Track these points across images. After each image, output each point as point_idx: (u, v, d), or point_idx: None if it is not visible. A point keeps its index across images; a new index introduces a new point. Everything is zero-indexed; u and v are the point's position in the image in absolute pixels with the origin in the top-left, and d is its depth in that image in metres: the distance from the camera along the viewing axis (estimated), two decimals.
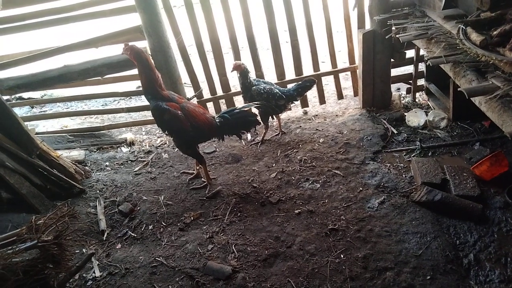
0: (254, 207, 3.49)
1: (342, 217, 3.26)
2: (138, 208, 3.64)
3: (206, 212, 3.50)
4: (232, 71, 4.07)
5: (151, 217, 3.51)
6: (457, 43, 3.04)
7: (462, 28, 3.03)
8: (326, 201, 3.44)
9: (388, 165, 3.77)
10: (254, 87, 4.02)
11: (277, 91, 4.08)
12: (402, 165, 3.77)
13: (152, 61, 3.82)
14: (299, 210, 3.37)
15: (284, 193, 3.59)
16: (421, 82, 4.76)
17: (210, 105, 4.80)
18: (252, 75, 4.26)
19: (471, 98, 2.68)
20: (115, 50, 4.00)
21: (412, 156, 3.84)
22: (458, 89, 2.71)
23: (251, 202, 3.55)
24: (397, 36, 3.62)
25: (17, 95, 5.39)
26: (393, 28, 3.94)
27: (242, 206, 3.51)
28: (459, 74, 2.98)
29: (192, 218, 3.44)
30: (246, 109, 3.66)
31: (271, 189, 3.65)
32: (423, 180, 3.40)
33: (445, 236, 3.00)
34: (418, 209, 3.23)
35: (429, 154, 3.86)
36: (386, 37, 3.97)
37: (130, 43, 3.33)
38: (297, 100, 4.35)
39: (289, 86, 4.59)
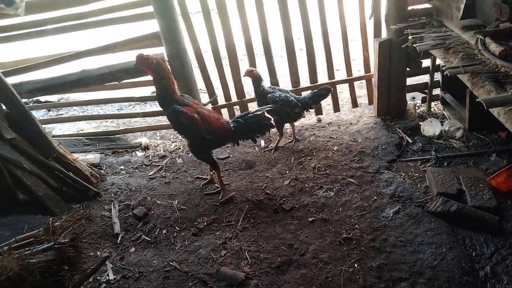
0: (267, 213, 3.49)
1: (356, 226, 3.24)
2: (152, 212, 3.66)
3: (219, 218, 3.51)
4: (244, 76, 4.10)
5: (165, 222, 3.53)
6: (475, 53, 3.03)
7: (481, 38, 3.02)
8: (340, 209, 3.43)
9: (403, 174, 3.75)
10: (270, 95, 4.04)
11: (293, 98, 4.08)
12: (417, 174, 3.74)
13: (169, 68, 3.88)
14: (313, 218, 3.36)
15: (298, 200, 3.58)
16: (436, 91, 4.74)
17: (224, 111, 4.82)
18: (267, 82, 4.28)
19: (489, 109, 2.66)
20: (133, 56, 4.06)
21: (428, 166, 3.81)
22: (477, 99, 2.69)
23: (264, 208, 3.55)
24: (414, 45, 3.61)
25: (35, 98, 5.48)
26: (410, 37, 3.94)
27: (255, 212, 3.51)
28: (477, 84, 2.96)
29: (205, 223, 3.45)
30: (259, 113, 3.68)
31: (285, 196, 3.65)
32: (438, 190, 3.37)
33: (461, 248, 2.97)
34: (434, 219, 3.20)
35: (445, 164, 3.83)
36: (403, 46, 3.96)
37: (145, 54, 3.33)
38: (312, 108, 4.36)
39: (304, 93, 4.61)
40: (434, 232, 3.09)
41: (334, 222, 3.31)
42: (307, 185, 3.73)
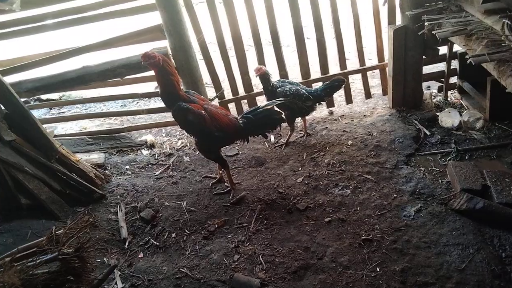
0: (281, 214, 3.32)
1: (376, 226, 3.07)
2: (160, 214, 3.50)
3: (230, 219, 3.35)
4: (256, 76, 3.90)
5: (174, 224, 3.37)
6: (501, 39, 2.82)
7: (507, 23, 2.80)
8: (358, 208, 3.25)
9: (423, 169, 3.56)
10: (279, 89, 3.84)
11: (304, 91, 3.89)
12: (437, 169, 3.54)
13: (174, 63, 3.70)
14: (329, 218, 3.18)
15: (312, 199, 3.41)
16: (452, 80, 4.51)
17: (231, 106, 4.62)
18: (276, 76, 4.08)
19: None
20: (135, 50, 3.87)
21: (448, 160, 3.62)
22: (507, 90, 2.49)
23: (277, 209, 3.38)
24: (433, 32, 3.39)
25: (36, 97, 5.31)
26: (426, 23, 3.72)
27: (268, 213, 3.35)
28: (505, 73, 2.75)
29: (216, 225, 3.29)
30: (269, 107, 3.48)
31: (298, 195, 3.47)
32: (462, 186, 3.18)
33: (489, 248, 2.79)
34: (458, 218, 3.02)
35: (466, 158, 3.64)
36: (419, 33, 3.74)
37: (150, 51, 3.15)
38: (324, 101, 4.16)
39: (314, 85, 4.41)
40: (459, 231, 2.91)
41: (352, 222, 3.14)
42: (321, 183, 3.55)
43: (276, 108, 3.65)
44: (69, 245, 2.61)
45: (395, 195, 3.31)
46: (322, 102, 4.15)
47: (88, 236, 2.64)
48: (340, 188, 3.47)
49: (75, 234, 2.62)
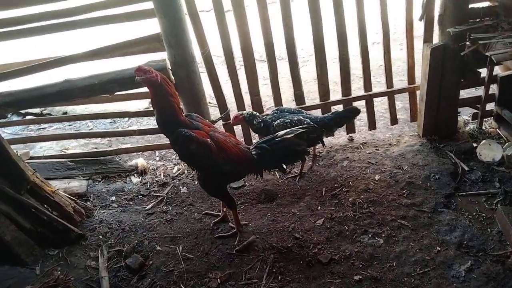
0: (299, 267, 2.72)
1: None
2: (150, 261, 2.89)
3: (236, 273, 2.74)
4: (233, 124, 3.65)
5: (167, 277, 2.75)
6: None
7: None
8: (394, 264, 2.66)
9: (467, 214, 2.99)
10: (277, 121, 3.29)
11: (309, 121, 3.31)
12: (484, 215, 2.97)
13: (173, 80, 3.14)
14: (360, 276, 2.59)
15: (337, 249, 2.81)
16: (488, 106, 3.97)
17: (236, 128, 4.02)
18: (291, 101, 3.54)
19: None
20: (128, 63, 3.29)
21: (495, 203, 3.05)
22: None
23: (294, 260, 2.78)
24: (487, 54, 2.85)
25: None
26: (468, 43, 3.20)
27: (282, 265, 2.74)
28: None
29: (219, 280, 2.68)
30: (289, 136, 2.88)
31: (319, 243, 2.88)
32: None
33: None
34: None
35: None
36: (462, 53, 3.21)
37: (145, 66, 2.60)
38: (332, 132, 3.60)
39: (333, 108, 3.85)
40: None
41: (388, 282, 2.55)
42: (346, 228, 2.96)
43: (288, 136, 3.04)
44: None
45: (439, 248, 2.72)
46: (330, 133, 3.62)
47: None
48: (370, 235, 2.88)
49: None
